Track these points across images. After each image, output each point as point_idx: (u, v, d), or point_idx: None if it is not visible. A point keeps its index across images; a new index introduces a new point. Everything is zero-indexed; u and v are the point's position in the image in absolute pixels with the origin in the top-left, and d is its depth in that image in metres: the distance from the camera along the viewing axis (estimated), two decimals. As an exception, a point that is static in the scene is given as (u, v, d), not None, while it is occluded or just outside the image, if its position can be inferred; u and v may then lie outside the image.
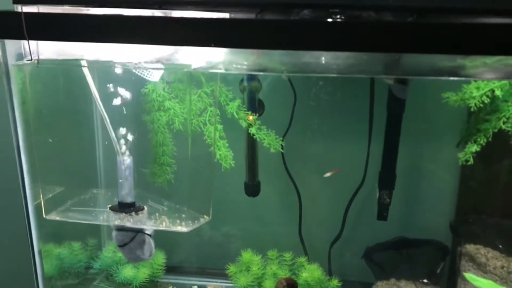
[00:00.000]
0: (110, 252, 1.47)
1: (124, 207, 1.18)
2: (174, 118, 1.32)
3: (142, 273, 1.42)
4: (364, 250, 1.46)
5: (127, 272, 1.41)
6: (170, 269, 1.54)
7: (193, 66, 1.01)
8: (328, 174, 1.46)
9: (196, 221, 1.15)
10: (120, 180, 1.17)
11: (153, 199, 1.28)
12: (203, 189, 1.23)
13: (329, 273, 1.49)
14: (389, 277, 1.41)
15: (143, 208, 1.21)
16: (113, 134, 1.16)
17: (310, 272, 1.41)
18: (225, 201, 1.55)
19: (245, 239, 1.59)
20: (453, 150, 1.28)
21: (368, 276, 1.47)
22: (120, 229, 1.19)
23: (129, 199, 1.19)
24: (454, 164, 1.36)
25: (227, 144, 1.33)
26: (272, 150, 1.31)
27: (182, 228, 1.12)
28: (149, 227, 1.15)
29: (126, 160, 1.16)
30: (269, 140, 1.31)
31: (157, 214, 1.20)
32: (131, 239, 1.21)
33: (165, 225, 1.14)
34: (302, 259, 1.45)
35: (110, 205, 1.21)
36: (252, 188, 1.45)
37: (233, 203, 1.56)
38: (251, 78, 1.36)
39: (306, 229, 1.56)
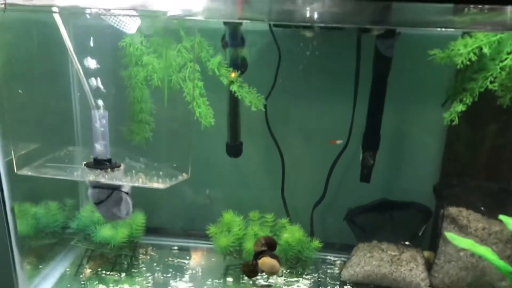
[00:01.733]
0: (87, 212, 1.44)
1: (99, 164, 1.15)
2: (153, 74, 1.27)
3: (120, 233, 1.39)
4: (346, 212, 1.45)
5: (105, 232, 1.38)
6: (151, 231, 1.51)
7: (169, 13, 0.96)
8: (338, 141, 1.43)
9: (173, 179, 1.12)
10: (95, 135, 1.13)
11: (130, 157, 1.24)
12: (182, 146, 1.19)
13: (311, 234, 1.48)
14: (370, 239, 1.40)
15: (120, 166, 1.17)
16: (87, 86, 1.12)
17: (291, 232, 1.40)
18: (207, 162, 1.52)
19: (227, 201, 1.57)
20: (439, 111, 1.25)
21: (349, 238, 1.46)
22: (96, 186, 1.15)
23: (104, 156, 1.15)
24: (440, 126, 1.34)
25: (207, 102, 1.30)
26: (253, 108, 1.28)
27: (158, 185, 1.09)
28: (124, 183, 1.11)
29: (101, 114, 1.12)
30: (250, 98, 1.28)
31: (133, 171, 1.16)
32: (107, 196, 1.18)
33: (141, 181, 1.10)
34: (284, 221, 1.43)
35: (85, 162, 1.17)
36: (234, 149, 1.42)
37: (215, 164, 1.53)
38: (233, 33, 1.31)
39: (289, 191, 1.54)
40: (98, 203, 1.19)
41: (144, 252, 1.49)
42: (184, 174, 1.14)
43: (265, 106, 1.33)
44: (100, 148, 1.15)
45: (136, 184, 1.11)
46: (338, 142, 1.41)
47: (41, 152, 1.24)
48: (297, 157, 1.53)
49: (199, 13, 1.02)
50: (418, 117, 1.43)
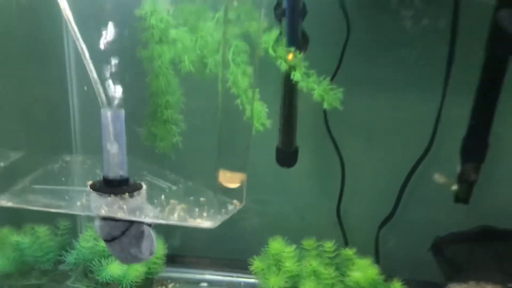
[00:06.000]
0: (89, 240, 1.08)
1: (112, 186, 0.78)
2: (183, 55, 0.91)
3: (134, 269, 1.03)
4: (432, 241, 1.10)
5: (114, 269, 1.02)
6: (171, 259, 1.16)
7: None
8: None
9: (223, 210, 0.76)
10: (107, 144, 0.77)
11: (153, 172, 0.88)
12: (231, 159, 0.83)
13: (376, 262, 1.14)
14: (466, 278, 1.06)
15: (141, 187, 0.81)
16: (94, 74, 0.75)
17: (362, 269, 1.05)
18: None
19: (269, 220, 1.22)
20: None
21: (432, 274, 1.12)
22: (107, 217, 0.79)
23: (119, 173, 0.79)
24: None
25: (258, 95, 0.94)
26: (326, 105, 0.92)
27: (204, 222, 0.73)
28: (153, 220, 0.75)
29: (116, 113, 0.76)
30: (321, 92, 0.92)
31: (162, 197, 0.80)
32: (123, 231, 0.82)
33: (177, 216, 0.75)
34: (349, 252, 1.09)
35: (91, 182, 0.80)
36: (288, 156, 1.07)
37: (256, 175, 1.17)
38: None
39: (348, 206, 1.19)
40: (110, 240, 0.83)
41: (164, 289, 1.14)
42: (235, 201, 0.78)
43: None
44: (112, 161, 0.78)
45: (171, 222, 0.75)
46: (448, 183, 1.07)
47: (25, 165, 0.88)
48: (361, 164, 1.18)
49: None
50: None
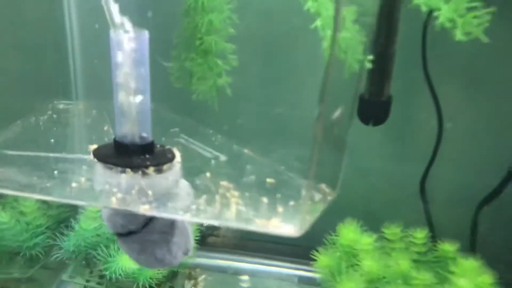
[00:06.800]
0: (91, 220, 0.78)
1: (129, 154, 0.48)
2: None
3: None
4: None
5: (127, 261, 0.73)
6: (201, 241, 0.87)
7: None
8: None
9: (314, 204, 0.46)
10: (120, 87, 0.46)
11: (189, 130, 0.58)
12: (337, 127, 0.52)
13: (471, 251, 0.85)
14: None
15: (173, 156, 0.50)
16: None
17: (469, 275, 0.75)
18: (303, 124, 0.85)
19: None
20: None
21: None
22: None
23: (140, 133, 0.49)
24: None
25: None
26: (460, 35, 0.59)
27: (282, 226, 0.43)
28: (195, 218, 0.45)
29: (135, 36, 0.44)
30: (451, 12, 0.59)
31: (207, 174, 0.50)
32: (143, 223, 0.53)
33: (235, 213, 0.44)
34: (448, 247, 0.79)
35: (94, 147, 0.50)
36: (377, 109, 0.75)
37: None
38: None
39: (438, 177, 0.90)
40: (125, 234, 0.55)
41: (193, 285, 0.85)
42: (328, 189, 0.48)
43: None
44: (129, 115, 0.48)
45: (224, 223, 0.44)
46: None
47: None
48: (463, 123, 0.87)
49: None
50: None
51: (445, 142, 0.85)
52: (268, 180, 0.51)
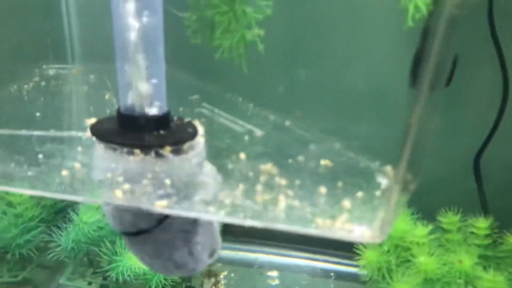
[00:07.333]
0: (93, 211, 0.66)
1: (138, 130, 0.35)
2: None
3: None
4: None
5: (135, 259, 0.61)
6: (223, 230, 0.75)
7: None
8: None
9: (399, 198, 0.33)
10: (126, 45, 0.32)
11: (213, 98, 0.45)
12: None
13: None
14: None
15: (195, 132, 0.37)
16: None
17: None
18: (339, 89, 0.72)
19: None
20: None
21: None
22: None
23: (153, 103, 0.35)
24: None
25: None
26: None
27: (354, 229, 0.30)
28: (229, 219, 0.32)
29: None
30: None
31: (242, 155, 0.38)
32: (158, 220, 0.41)
33: (283, 209, 0.32)
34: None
35: (93, 121, 0.37)
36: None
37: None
38: None
39: (496, 154, 0.77)
40: (134, 234, 0.43)
41: (214, 284, 0.73)
42: (411, 179, 0.35)
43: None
44: (138, 80, 0.35)
45: (271, 225, 0.31)
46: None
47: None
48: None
49: None
50: None
51: (509, 113, 0.72)
52: (323, 161, 0.39)
